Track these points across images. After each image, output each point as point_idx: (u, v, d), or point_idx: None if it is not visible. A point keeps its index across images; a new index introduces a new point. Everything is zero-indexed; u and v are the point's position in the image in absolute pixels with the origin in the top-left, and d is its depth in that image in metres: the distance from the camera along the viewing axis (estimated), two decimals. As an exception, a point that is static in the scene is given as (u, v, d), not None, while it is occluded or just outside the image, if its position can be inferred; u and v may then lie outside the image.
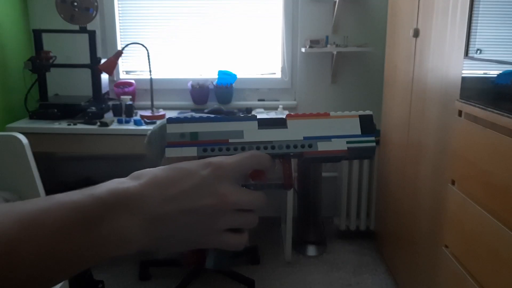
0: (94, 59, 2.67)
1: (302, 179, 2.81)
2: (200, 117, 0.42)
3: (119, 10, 2.97)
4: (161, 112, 2.75)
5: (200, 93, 2.94)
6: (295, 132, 0.44)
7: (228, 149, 0.43)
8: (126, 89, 2.92)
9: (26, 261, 0.36)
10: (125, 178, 0.41)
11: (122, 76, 3.08)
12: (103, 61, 2.66)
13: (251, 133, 0.43)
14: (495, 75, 1.40)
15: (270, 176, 0.45)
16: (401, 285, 2.36)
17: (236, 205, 0.41)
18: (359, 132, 0.46)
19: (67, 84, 2.94)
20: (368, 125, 0.46)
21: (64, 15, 2.61)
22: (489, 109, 1.30)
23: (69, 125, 2.53)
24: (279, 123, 0.44)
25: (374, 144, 0.46)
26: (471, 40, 1.48)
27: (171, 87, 3.01)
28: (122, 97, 2.80)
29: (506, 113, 1.21)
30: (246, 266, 2.61)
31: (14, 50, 2.74)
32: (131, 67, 3.08)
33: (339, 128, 0.45)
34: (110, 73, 2.68)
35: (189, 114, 0.41)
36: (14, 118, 2.67)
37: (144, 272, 2.50)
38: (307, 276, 2.56)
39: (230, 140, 0.43)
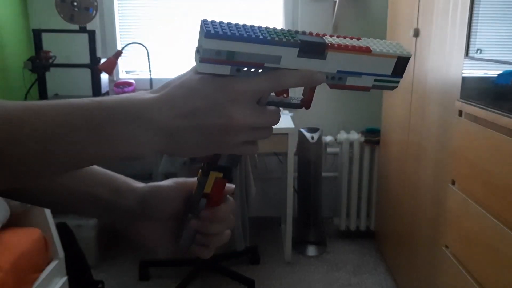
0: (94, 59, 2.67)
1: (302, 179, 2.81)
2: (241, 36, 0.41)
3: (119, 10, 2.97)
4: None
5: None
6: (331, 65, 0.44)
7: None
8: (126, 89, 2.92)
9: (31, 138, 0.38)
10: (156, 88, 0.45)
11: (122, 76, 3.08)
12: (102, 61, 2.66)
13: (289, 60, 0.43)
14: (495, 75, 1.40)
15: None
16: (401, 285, 2.36)
17: (247, 126, 0.43)
18: (390, 72, 0.46)
19: (67, 84, 2.94)
20: (401, 67, 0.45)
21: (64, 15, 2.61)
22: (489, 109, 1.30)
23: (69, 125, 2.52)
24: (319, 54, 0.43)
25: (397, 85, 0.46)
26: (471, 40, 1.48)
27: (171, 87, 3.01)
28: (122, 97, 2.80)
29: (506, 113, 1.21)
30: (246, 266, 2.61)
31: (14, 50, 2.74)
32: (131, 67, 3.08)
33: (373, 66, 0.45)
34: (110, 73, 2.68)
35: (227, 27, 0.37)
36: (14, 118, 2.67)
37: (144, 272, 2.50)
38: (307, 276, 2.56)
39: (265, 65, 0.42)
